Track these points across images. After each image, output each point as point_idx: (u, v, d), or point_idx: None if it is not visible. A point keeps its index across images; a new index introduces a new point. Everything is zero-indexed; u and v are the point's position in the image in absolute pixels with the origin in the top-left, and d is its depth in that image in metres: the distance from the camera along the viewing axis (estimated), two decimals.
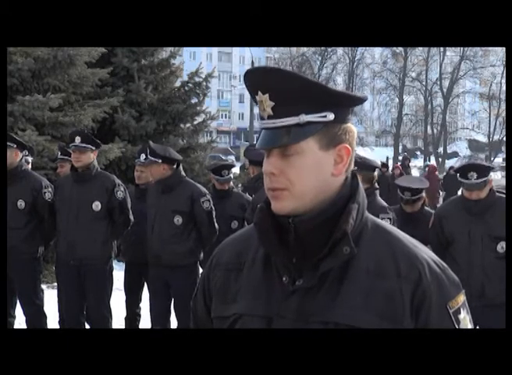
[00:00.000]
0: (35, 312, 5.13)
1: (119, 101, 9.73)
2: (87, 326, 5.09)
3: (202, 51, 55.29)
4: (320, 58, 48.20)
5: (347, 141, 1.31)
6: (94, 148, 4.99)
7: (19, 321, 5.32)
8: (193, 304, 1.51)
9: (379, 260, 1.27)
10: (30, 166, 5.61)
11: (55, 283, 5.72)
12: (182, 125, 11.24)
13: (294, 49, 47.91)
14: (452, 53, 49.86)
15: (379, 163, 5.15)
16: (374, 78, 50.26)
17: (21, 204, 5.04)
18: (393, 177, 13.48)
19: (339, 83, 48.46)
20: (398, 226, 3.41)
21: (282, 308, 1.29)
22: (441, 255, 3.66)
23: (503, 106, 41.10)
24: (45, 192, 5.12)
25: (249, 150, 6.46)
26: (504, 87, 32.66)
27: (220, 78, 57.15)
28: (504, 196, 4.14)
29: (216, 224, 5.03)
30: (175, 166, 4.96)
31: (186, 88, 11.40)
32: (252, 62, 37.74)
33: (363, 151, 36.89)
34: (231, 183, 5.83)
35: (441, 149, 50.74)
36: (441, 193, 16.88)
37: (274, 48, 51.35)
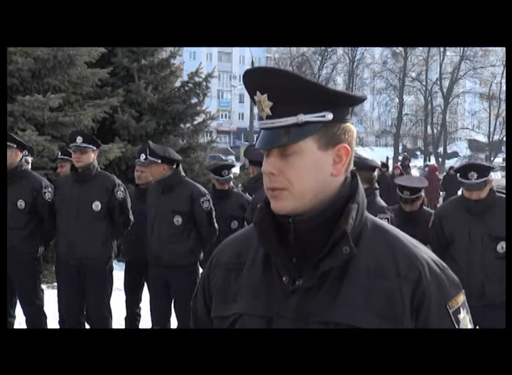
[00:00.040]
0: (35, 312, 5.13)
1: (119, 101, 9.72)
2: (87, 326, 5.09)
3: (202, 51, 55.28)
4: (320, 58, 48.16)
5: (346, 141, 1.31)
6: (94, 148, 4.99)
7: (19, 321, 5.31)
8: (193, 304, 1.51)
9: (379, 260, 1.27)
10: (30, 166, 5.61)
11: (55, 283, 5.71)
12: (182, 125, 11.24)
13: (294, 49, 47.87)
14: (452, 53, 49.85)
15: (379, 163, 5.16)
16: (374, 78, 50.23)
17: (21, 204, 5.04)
18: (393, 177, 13.46)
19: (339, 84, 48.44)
20: (397, 225, 3.41)
21: (282, 308, 1.29)
22: (441, 255, 3.67)
23: (503, 106, 41.10)
24: (45, 192, 5.12)
25: (249, 150, 6.47)
26: (504, 87, 32.65)
27: (220, 78, 57.14)
28: (504, 196, 4.14)
29: (216, 224, 5.03)
30: (174, 166, 4.96)
31: (186, 88, 11.39)
32: (252, 62, 37.70)
33: (363, 151, 36.88)
34: (231, 183, 5.83)
35: (441, 149, 50.73)
36: (441, 193, 16.89)
37: (274, 48, 51.32)
